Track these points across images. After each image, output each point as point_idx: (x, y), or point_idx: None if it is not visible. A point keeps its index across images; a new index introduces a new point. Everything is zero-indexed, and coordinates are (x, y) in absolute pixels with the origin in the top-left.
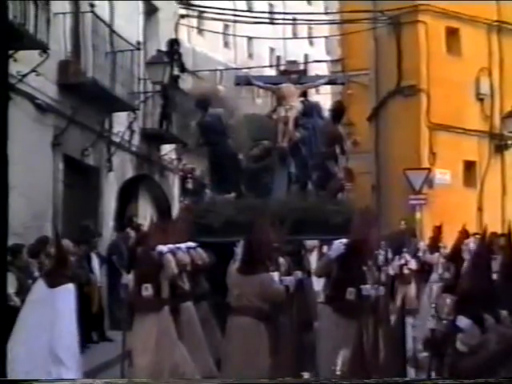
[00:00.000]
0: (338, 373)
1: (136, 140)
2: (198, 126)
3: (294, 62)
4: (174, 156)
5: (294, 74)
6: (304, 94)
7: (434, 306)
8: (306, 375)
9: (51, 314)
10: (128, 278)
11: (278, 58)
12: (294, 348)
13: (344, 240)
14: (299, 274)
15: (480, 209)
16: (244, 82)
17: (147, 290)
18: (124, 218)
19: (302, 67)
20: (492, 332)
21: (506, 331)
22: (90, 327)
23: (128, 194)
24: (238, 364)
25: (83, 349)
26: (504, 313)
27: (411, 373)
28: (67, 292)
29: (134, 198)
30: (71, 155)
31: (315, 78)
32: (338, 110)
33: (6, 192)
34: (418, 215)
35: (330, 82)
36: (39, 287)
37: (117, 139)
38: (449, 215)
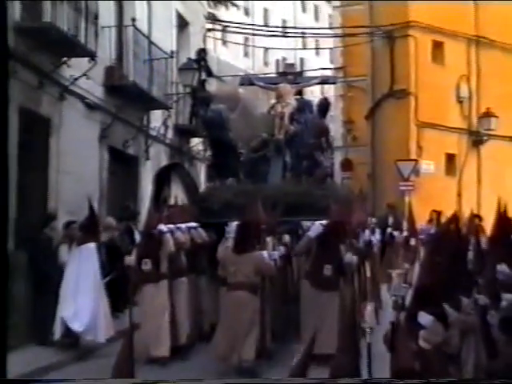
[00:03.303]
0: (368, 330)
1: (169, 134)
2: (202, 120)
3: (292, 65)
4: (201, 147)
5: (291, 75)
6: (299, 93)
7: (393, 297)
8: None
9: (76, 269)
10: (130, 259)
11: (277, 61)
12: (281, 317)
13: (323, 221)
14: (282, 249)
15: (459, 194)
16: (247, 82)
17: (146, 265)
18: (159, 199)
19: (297, 69)
20: (455, 327)
21: (466, 319)
22: None
23: (162, 179)
24: (234, 332)
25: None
26: (465, 300)
27: None
28: (88, 249)
29: (168, 183)
30: (115, 146)
31: (309, 79)
32: (324, 106)
33: (7, 190)
34: (406, 199)
35: (323, 82)
36: (71, 248)
37: (153, 133)
38: (433, 199)
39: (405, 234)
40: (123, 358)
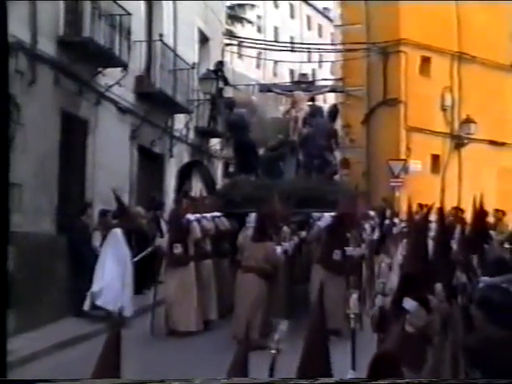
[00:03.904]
0: (352, 316)
1: (191, 135)
2: (226, 123)
3: (305, 75)
4: (218, 147)
5: (304, 83)
6: (312, 99)
7: (381, 283)
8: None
9: (104, 251)
10: (161, 241)
11: (292, 71)
12: (288, 297)
13: (332, 213)
14: (298, 239)
15: (443, 190)
16: (266, 89)
17: (177, 249)
18: (181, 192)
19: (310, 79)
20: (436, 312)
21: (443, 307)
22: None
23: (184, 174)
24: (245, 310)
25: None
26: (438, 286)
27: None
28: (114, 234)
29: (189, 178)
30: (143, 145)
31: (320, 87)
32: (334, 111)
33: (7, 187)
34: (396, 194)
35: (332, 90)
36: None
37: (177, 134)
38: (419, 194)
39: (403, 224)
40: (109, 352)
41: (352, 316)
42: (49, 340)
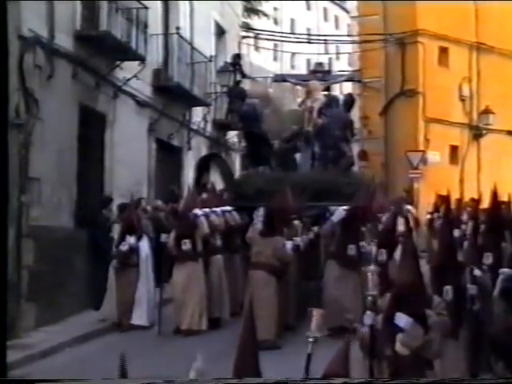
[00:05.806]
0: (311, 339)
1: (208, 128)
2: (237, 114)
3: (320, 64)
4: (236, 140)
5: (320, 73)
6: (327, 89)
7: (370, 297)
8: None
9: None
10: (165, 236)
11: (308, 61)
12: (298, 296)
13: (345, 207)
14: (311, 234)
15: (461, 181)
16: (281, 79)
17: (186, 245)
18: (199, 184)
19: (326, 68)
20: (436, 330)
21: (442, 321)
22: None
23: (202, 167)
24: (256, 307)
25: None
26: (436, 299)
27: None
28: None
29: (207, 170)
30: (161, 138)
31: (336, 77)
32: (349, 101)
33: (6, 187)
34: (415, 186)
35: (348, 80)
36: None
37: (194, 127)
38: (438, 186)
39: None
40: None
41: (311, 340)
42: (69, 334)
